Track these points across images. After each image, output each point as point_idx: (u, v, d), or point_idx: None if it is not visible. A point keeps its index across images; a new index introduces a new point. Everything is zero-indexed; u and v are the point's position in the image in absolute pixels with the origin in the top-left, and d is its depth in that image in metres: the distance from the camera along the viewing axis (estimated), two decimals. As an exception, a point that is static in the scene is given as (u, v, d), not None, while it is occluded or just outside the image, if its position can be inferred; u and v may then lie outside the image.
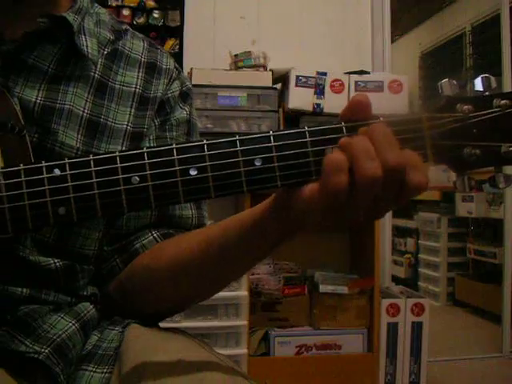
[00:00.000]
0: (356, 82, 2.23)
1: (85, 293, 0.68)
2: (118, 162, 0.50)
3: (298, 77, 2.20)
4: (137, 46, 0.76)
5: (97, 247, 0.69)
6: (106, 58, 0.72)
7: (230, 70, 2.25)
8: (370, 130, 0.48)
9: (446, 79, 0.52)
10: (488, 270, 3.59)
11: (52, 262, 0.64)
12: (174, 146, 0.51)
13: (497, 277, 3.12)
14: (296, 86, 2.20)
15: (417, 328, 2.18)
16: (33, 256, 0.63)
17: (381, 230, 2.22)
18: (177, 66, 0.80)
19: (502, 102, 0.50)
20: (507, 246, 2.86)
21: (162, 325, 0.71)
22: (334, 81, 2.23)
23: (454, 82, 0.52)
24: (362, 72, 2.31)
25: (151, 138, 0.73)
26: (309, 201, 0.49)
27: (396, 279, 3.44)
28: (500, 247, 3.14)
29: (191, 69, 2.15)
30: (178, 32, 2.43)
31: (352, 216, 0.50)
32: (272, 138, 0.50)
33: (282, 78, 2.27)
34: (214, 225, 0.65)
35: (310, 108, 2.19)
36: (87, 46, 0.69)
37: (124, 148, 0.69)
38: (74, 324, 0.63)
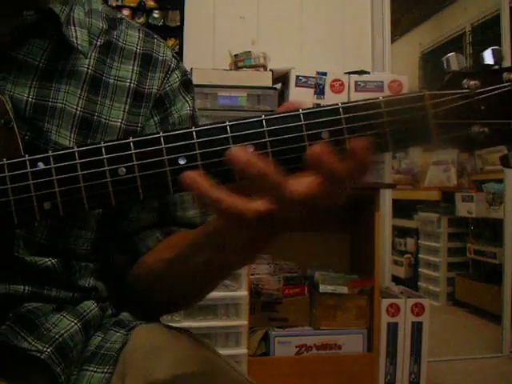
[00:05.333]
0: (356, 82, 2.23)
1: (86, 285, 0.68)
2: (104, 153, 0.49)
3: (298, 77, 2.20)
4: (132, 36, 0.73)
5: (89, 247, 0.69)
6: (100, 52, 0.69)
7: (230, 69, 2.25)
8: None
9: (453, 53, 0.49)
10: (488, 270, 3.58)
11: (48, 260, 0.64)
12: (161, 134, 0.48)
13: (497, 277, 3.12)
14: (296, 85, 2.20)
15: (417, 328, 2.18)
16: (27, 256, 0.62)
17: (381, 230, 2.22)
18: (175, 55, 0.77)
19: None
20: (507, 245, 2.86)
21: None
22: (334, 81, 2.22)
23: (462, 56, 0.49)
24: (362, 72, 2.31)
25: None
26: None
27: (396, 279, 3.44)
28: (500, 247, 3.14)
29: (191, 69, 2.15)
30: (178, 32, 2.43)
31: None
32: (264, 122, 0.48)
33: (282, 78, 2.27)
34: (180, 240, 0.66)
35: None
36: (77, 38, 0.66)
37: None
38: (76, 323, 0.63)
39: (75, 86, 0.66)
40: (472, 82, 0.47)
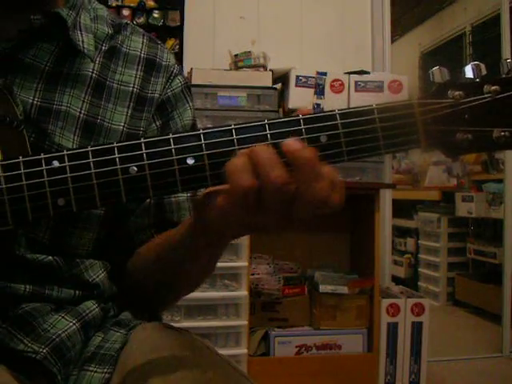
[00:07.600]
0: (356, 82, 2.23)
1: (90, 280, 0.68)
2: (116, 152, 0.51)
3: (297, 77, 2.20)
4: (136, 42, 0.75)
5: (91, 248, 0.69)
6: (105, 57, 0.71)
7: (230, 69, 2.25)
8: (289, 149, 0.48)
9: (437, 67, 0.53)
10: (488, 270, 3.58)
11: (50, 256, 0.64)
12: (170, 135, 0.51)
13: (497, 277, 3.12)
14: (296, 85, 2.20)
15: (417, 328, 2.18)
16: (29, 254, 0.63)
17: (381, 230, 2.22)
18: (177, 62, 0.79)
19: (493, 87, 0.51)
20: (507, 245, 2.86)
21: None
22: (333, 81, 2.23)
23: (445, 69, 0.53)
24: (361, 72, 2.31)
25: None
26: (222, 208, 0.50)
27: (396, 279, 3.44)
28: (500, 247, 3.14)
29: (191, 69, 2.15)
30: (178, 32, 2.43)
31: (266, 221, 0.50)
32: (267, 126, 0.51)
33: (282, 78, 2.27)
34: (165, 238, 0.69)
35: (310, 108, 2.19)
36: (83, 42, 0.68)
37: None
38: (74, 324, 0.63)
39: (80, 90, 0.67)
40: (456, 93, 0.52)
